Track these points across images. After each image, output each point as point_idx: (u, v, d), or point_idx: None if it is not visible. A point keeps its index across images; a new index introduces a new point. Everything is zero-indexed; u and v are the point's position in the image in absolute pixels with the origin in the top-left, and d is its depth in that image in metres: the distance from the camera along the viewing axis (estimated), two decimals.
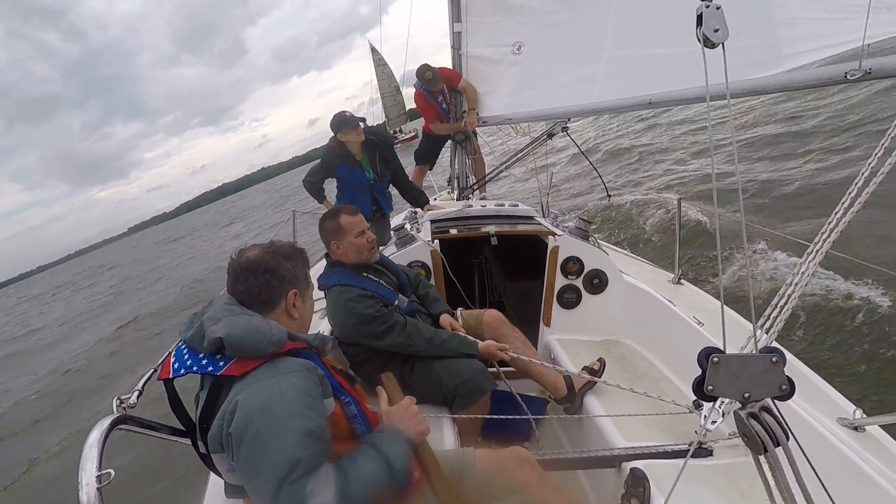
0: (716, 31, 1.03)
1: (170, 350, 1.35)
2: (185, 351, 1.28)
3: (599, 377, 2.42)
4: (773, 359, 0.90)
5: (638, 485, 1.68)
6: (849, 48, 2.18)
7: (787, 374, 1.97)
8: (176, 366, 1.26)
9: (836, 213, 1.69)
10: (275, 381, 1.16)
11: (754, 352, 0.92)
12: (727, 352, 0.92)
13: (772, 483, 0.92)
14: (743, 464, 1.84)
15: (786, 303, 1.66)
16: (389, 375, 1.62)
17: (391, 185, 4.23)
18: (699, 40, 1.05)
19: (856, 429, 1.67)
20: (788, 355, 2.11)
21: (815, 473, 1.14)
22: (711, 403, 1.81)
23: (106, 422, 1.26)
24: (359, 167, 3.91)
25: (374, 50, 46.02)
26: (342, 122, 3.75)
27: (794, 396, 1.77)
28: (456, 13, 4.37)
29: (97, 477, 1.09)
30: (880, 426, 1.69)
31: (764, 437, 0.88)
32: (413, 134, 42.48)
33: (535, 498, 1.52)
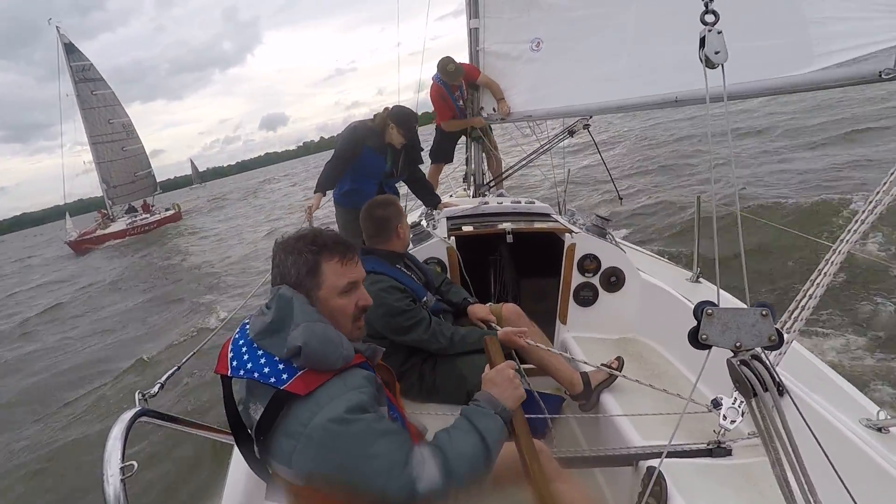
0: (716, 53, 1.12)
1: (228, 339, 1.29)
2: (243, 347, 1.23)
3: (618, 375, 2.41)
4: (764, 312, 0.98)
5: (655, 483, 1.67)
6: (883, 47, 2.15)
7: (808, 373, 1.96)
8: (235, 364, 1.21)
9: (861, 215, 1.67)
10: (346, 399, 1.14)
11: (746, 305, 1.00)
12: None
13: (762, 426, 1.01)
14: (762, 463, 1.82)
15: (807, 302, 1.64)
16: (493, 338, 1.62)
17: (403, 182, 4.15)
18: (701, 61, 1.14)
19: (880, 430, 1.64)
20: (809, 355, 2.09)
21: (828, 459, 1.13)
22: (730, 402, 1.80)
23: (128, 415, 1.28)
24: (383, 157, 3.83)
25: (69, 48, 27.22)
26: (407, 120, 3.65)
27: (815, 396, 1.77)
28: (474, 9, 4.36)
29: (121, 469, 1.11)
30: None
31: (754, 382, 0.97)
32: (174, 211, 29.38)
33: (552, 492, 1.52)
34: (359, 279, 1.38)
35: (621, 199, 4.80)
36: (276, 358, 1.17)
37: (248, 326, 1.27)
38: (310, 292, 1.29)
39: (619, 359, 2.50)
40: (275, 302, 1.23)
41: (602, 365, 2.49)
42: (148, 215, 28.01)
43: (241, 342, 1.24)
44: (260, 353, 1.19)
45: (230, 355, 1.23)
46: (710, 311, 0.99)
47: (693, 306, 2.71)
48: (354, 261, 1.37)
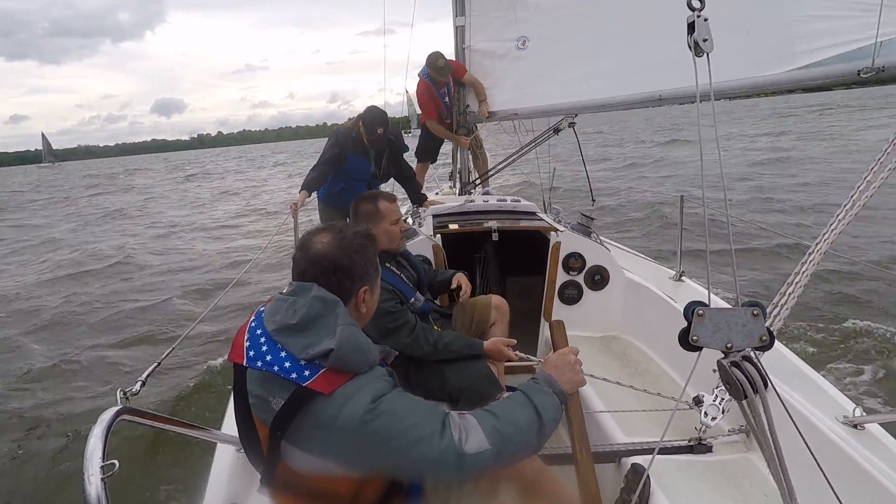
0: (704, 40, 1.09)
1: (241, 326, 1.27)
2: (262, 338, 1.20)
3: None
4: (755, 311, 0.96)
5: (637, 480, 1.69)
6: (862, 45, 2.18)
7: (788, 372, 1.99)
8: (252, 354, 1.18)
9: (839, 214, 1.70)
10: (371, 388, 1.14)
11: (737, 306, 0.98)
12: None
13: (754, 425, 0.99)
14: (741, 460, 1.85)
15: (787, 301, 1.67)
16: (560, 322, 1.68)
17: (393, 178, 4.17)
18: (690, 47, 1.11)
19: (855, 426, 1.68)
20: (789, 353, 2.13)
21: (813, 457, 1.15)
22: (712, 399, 1.82)
23: (109, 413, 1.26)
24: (366, 159, 3.87)
25: None
26: (368, 121, 3.66)
27: (794, 394, 1.79)
28: (459, 7, 4.35)
29: (102, 468, 1.09)
30: (880, 424, 1.70)
31: (745, 383, 0.95)
32: None
33: (534, 489, 1.53)
34: None
35: (594, 200, 4.79)
36: (296, 356, 1.15)
37: (264, 315, 1.24)
38: (373, 285, 1.36)
39: None
40: (307, 301, 1.19)
41: None
42: None
43: (258, 331, 1.22)
44: (279, 345, 1.17)
45: (246, 344, 1.21)
46: (700, 311, 0.96)
47: (676, 304, 2.75)
48: None
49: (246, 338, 1.22)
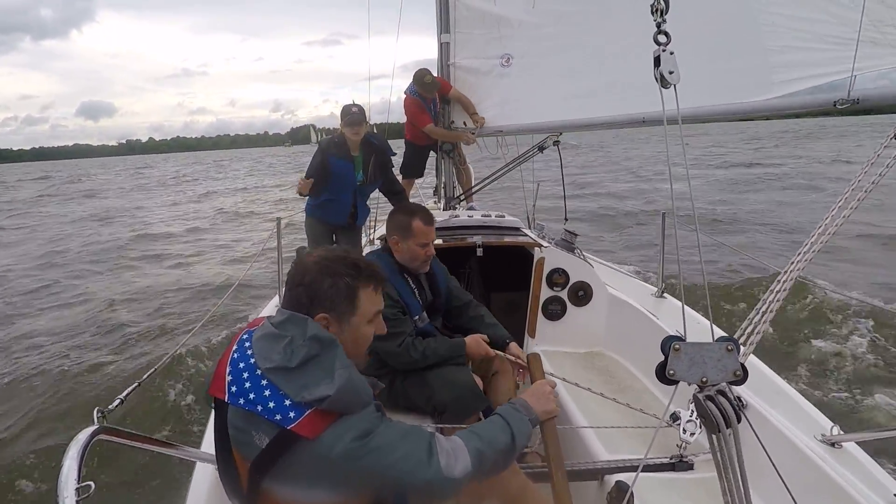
0: (670, 73, 1.11)
1: (223, 356, 1.22)
2: (245, 373, 1.15)
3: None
4: (729, 347, 0.98)
5: (621, 497, 1.69)
6: (838, 78, 2.25)
7: (768, 390, 2.01)
8: (234, 390, 1.14)
9: (811, 238, 1.74)
10: (359, 426, 1.11)
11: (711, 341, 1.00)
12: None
13: (719, 459, 1.02)
14: None
15: (761, 318, 1.70)
16: (537, 355, 1.84)
17: (379, 191, 4.12)
18: (656, 80, 1.13)
19: (833, 445, 1.71)
20: (768, 371, 2.16)
21: (779, 474, 1.16)
22: (688, 416, 1.83)
23: (85, 433, 1.23)
24: (351, 164, 3.82)
25: None
26: (343, 113, 3.71)
27: (773, 412, 1.82)
28: (444, 24, 4.39)
29: (76, 490, 1.06)
30: (856, 443, 1.73)
31: (718, 417, 0.97)
32: None
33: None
34: (382, 308, 1.37)
35: (566, 219, 4.79)
36: (284, 394, 1.10)
37: (249, 347, 1.19)
38: (341, 317, 1.25)
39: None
40: (305, 342, 1.13)
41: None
42: None
43: (241, 365, 1.17)
44: (264, 382, 1.12)
45: (228, 378, 1.16)
46: (677, 346, 0.98)
47: (658, 321, 2.77)
48: (381, 290, 1.37)
49: (228, 371, 1.18)
